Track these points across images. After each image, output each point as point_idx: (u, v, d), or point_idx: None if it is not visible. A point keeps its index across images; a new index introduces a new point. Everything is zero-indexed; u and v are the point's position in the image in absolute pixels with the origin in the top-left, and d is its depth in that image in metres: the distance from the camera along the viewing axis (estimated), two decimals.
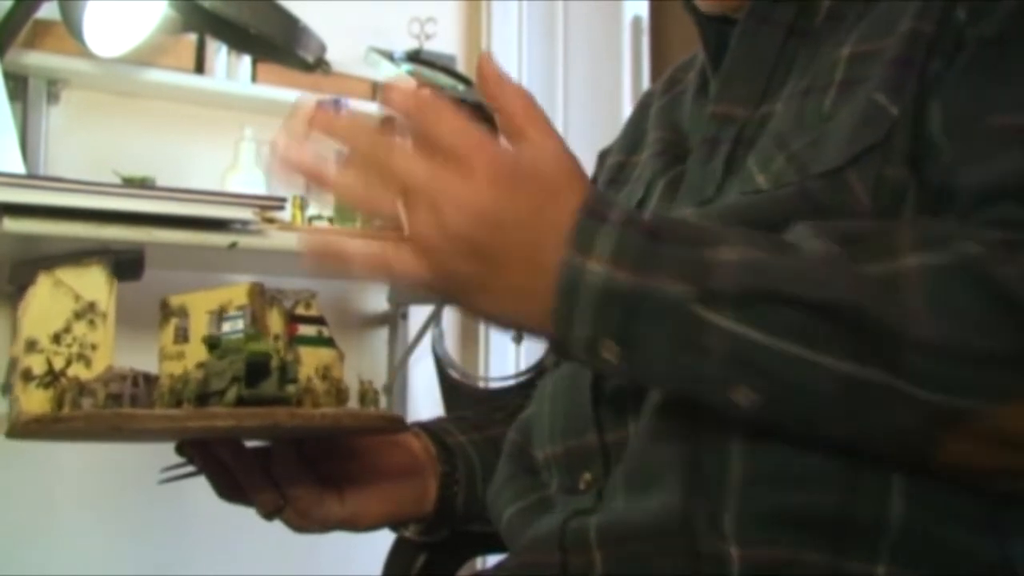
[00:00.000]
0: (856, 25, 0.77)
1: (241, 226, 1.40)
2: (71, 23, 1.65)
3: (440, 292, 0.65)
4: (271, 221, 1.50)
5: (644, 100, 0.99)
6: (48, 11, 1.68)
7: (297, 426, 0.72)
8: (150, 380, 0.73)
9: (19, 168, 1.54)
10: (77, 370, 0.74)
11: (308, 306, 0.76)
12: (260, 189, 1.97)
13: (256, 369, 0.71)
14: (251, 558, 1.98)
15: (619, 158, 0.96)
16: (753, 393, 0.61)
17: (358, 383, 0.77)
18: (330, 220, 1.81)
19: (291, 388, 0.72)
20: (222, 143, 2.00)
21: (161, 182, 1.75)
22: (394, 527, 0.91)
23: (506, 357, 2.34)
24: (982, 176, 0.66)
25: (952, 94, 0.69)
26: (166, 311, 0.80)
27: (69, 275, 0.76)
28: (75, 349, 0.75)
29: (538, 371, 2.02)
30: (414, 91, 0.66)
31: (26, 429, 0.71)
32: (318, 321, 0.76)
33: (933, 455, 0.61)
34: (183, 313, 0.79)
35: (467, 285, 0.64)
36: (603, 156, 1.01)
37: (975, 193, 0.67)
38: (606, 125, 2.36)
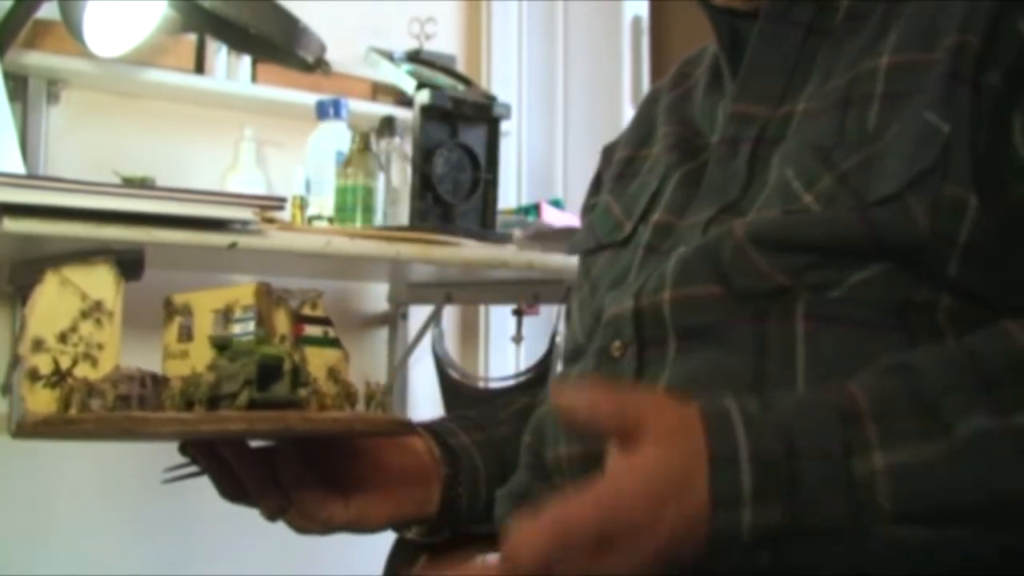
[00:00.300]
0: (885, 29, 0.76)
1: (241, 226, 1.40)
2: (71, 23, 1.64)
3: None
4: (271, 221, 1.50)
5: (652, 95, 0.99)
6: (48, 11, 1.68)
7: (309, 430, 0.72)
8: (158, 381, 0.73)
9: (19, 168, 1.54)
10: (83, 370, 0.74)
11: (314, 306, 0.75)
12: (260, 189, 1.97)
13: (267, 372, 0.70)
14: (252, 558, 1.98)
15: (627, 152, 0.96)
16: (917, 561, 0.62)
17: (364, 385, 0.77)
18: (330, 220, 1.81)
19: (303, 391, 0.72)
20: (222, 143, 2.00)
21: (161, 182, 1.75)
22: (396, 528, 0.91)
23: (506, 357, 2.34)
24: None
25: None
26: (170, 309, 0.79)
27: (76, 274, 0.75)
28: (81, 349, 0.74)
29: (539, 371, 2.02)
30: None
31: (35, 430, 0.70)
32: (324, 322, 0.76)
33: None
34: (187, 312, 0.78)
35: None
36: (608, 151, 1.01)
37: None
38: (606, 125, 2.36)
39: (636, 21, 2.47)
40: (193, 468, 0.81)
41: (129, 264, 1.38)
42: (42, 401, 0.73)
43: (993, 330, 0.65)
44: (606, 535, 0.58)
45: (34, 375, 0.73)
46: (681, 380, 0.74)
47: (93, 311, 0.75)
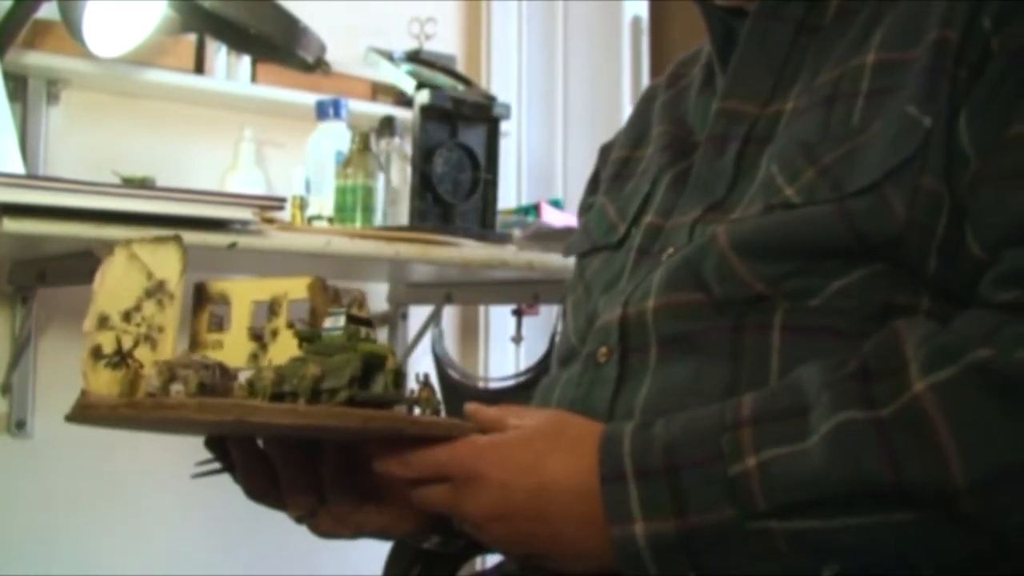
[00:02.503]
0: (874, 26, 0.77)
1: (241, 226, 1.40)
2: (71, 23, 1.64)
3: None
4: (271, 221, 1.50)
5: (648, 94, 0.99)
6: (48, 11, 1.68)
7: (417, 433, 0.70)
8: (225, 371, 0.70)
9: (19, 168, 1.54)
10: (143, 352, 0.71)
11: (360, 307, 0.73)
12: (260, 189, 1.97)
13: (367, 370, 0.68)
14: (252, 558, 1.98)
15: (623, 152, 0.96)
16: (838, 566, 0.64)
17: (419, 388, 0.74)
18: (330, 220, 1.81)
19: (399, 392, 0.69)
20: (222, 143, 2.00)
21: (161, 182, 1.74)
22: (416, 537, 0.89)
23: (506, 357, 2.34)
24: (998, 214, 0.67)
25: (979, 108, 0.69)
26: (202, 297, 0.76)
27: (144, 250, 0.73)
28: (143, 330, 0.72)
29: (538, 371, 2.02)
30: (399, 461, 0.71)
31: (116, 413, 0.67)
32: (367, 323, 0.74)
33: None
34: (223, 300, 0.75)
35: (531, 551, 0.70)
36: (605, 150, 1.01)
37: (991, 235, 0.68)
38: (606, 125, 2.36)
39: (636, 21, 2.47)
40: (217, 464, 0.78)
41: None
42: (103, 382, 0.69)
43: (884, 330, 0.67)
44: (445, 472, 0.70)
45: (97, 354, 0.70)
46: (659, 388, 0.75)
47: (156, 291, 0.72)
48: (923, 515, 0.61)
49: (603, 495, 0.66)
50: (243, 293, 0.75)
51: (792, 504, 0.62)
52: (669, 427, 0.68)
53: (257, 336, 0.74)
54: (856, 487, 0.61)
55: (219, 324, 0.76)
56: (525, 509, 0.68)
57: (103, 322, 0.71)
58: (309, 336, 0.70)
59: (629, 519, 0.65)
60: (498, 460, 0.68)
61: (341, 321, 0.69)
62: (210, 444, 0.78)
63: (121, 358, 0.70)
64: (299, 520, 0.79)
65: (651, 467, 0.65)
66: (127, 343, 0.71)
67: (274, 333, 0.74)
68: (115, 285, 0.72)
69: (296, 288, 0.73)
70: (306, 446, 0.77)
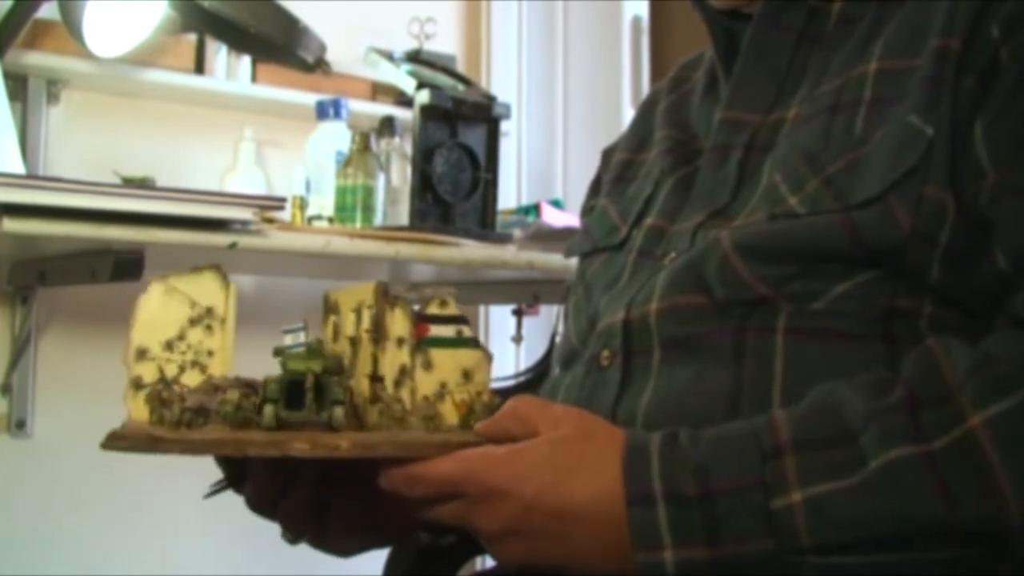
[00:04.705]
0: (875, 35, 0.76)
1: (241, 226, 1.40)
2: (71, 23, 1.64)
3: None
4: (271, 221, 1.50)
5: (650, 98, 1.00)
6: (48, 11, 1.68)
7: (315, 458, 0.66)
8: (254, 389, 0.70)
9: (19, 168, 1.54)
10: (191, 377, 0.73)
11: (444, 304, 0.70)
12: (259, 189, 1.97)
13: (300, 390, 0.67)
14: (248, 559, 1.98)
15: (625, 155, 0.96)
16: None
17: (464, 396, 0.73)
18: (330, 220, 1.81)
19: (338, 411, 0.67)
20: (222, 143, 2.00)
21: (161, 182, 1.75)
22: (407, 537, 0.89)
23: (506, 357, 2.34)
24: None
25: (995, 119, 0.69)
26: (326, 307, 0.77)
27: (182, 282, 0.74)
28: (189, 356, 0.74)
29: (538, 372, 2.02)
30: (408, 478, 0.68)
31: (109, 445, 0.69)
32: (457, 320, 0.71)
33: None
34: (337, 310, 0.76)
35: (546, 566, 0.67)
36: (608, 154, 1.01)
37: (1017, 249, 0.67)
38: (606, 125, 2.36)
39: (636, 21, 2.47)
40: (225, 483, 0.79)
41: (129, 264, 1.38)
42: (142, 410, 0.72)
43: (919, 352, 0.65)
44: (459, 489, 0.66)
45: (138, 384, 0.72)
46: (663, 391, 0.75)
47: (203, 317, 0.74)
48: (965, 552, 0.60)
49: (630, 519, 0.63)
50: (345, 302, 0.76)
51: (837, 543, 0.60)
52: (697, 444, 0.65)
53: (354, 343, 0.75)
54: (908, 526, 0.60)
55: (339, 333, 0.77)
56: (546, 529, 0.65)
57: (142, 354, 0.73)
58: (277, 355, 0.71)
59: (658, 545, 0.62)
60: (519, 475, 0.65)
61: (301, 337, 0.69)
62: (219, 459, 0.77)
63: (166, 385, 0.72)
64: (292, 542, 0.79)
65: (682, 491, 0.63)
66: (171, 371, 0.73)
67: (354, 342, 0.74)
68: (152, 318, 0.74)
69: (368, 294, 0.73)
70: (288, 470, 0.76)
